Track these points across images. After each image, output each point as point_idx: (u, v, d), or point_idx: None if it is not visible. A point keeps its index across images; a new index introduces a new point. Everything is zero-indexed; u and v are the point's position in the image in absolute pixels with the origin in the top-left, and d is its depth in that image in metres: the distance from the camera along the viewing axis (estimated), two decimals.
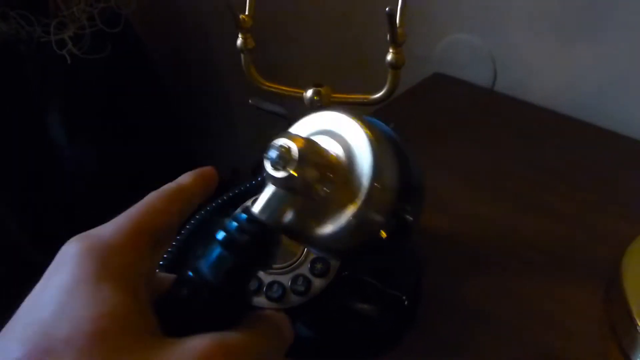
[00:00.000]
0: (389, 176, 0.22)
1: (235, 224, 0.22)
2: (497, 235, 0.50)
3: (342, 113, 0.24)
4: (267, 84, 0.40)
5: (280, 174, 0.20)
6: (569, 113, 0.67)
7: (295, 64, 1.01)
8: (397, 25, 0.32)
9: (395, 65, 0.34)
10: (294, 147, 0.20)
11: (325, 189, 0.22)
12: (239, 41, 0.38)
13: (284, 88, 0.40)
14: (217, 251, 0.22)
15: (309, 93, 0.37)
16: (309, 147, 0.21)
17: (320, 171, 0.21)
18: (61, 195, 1.03)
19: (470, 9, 0.72)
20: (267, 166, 0.21)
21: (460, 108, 0.71)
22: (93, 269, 0.20)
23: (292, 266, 0.35)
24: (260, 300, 0.35)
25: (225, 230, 0.22)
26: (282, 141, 0.21)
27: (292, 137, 0.21)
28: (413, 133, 0.65)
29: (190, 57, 1.33)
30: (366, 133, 0.22)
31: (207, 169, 0.28)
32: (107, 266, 0.21)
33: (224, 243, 0.21)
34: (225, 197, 0.45)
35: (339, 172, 0.22)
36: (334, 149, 0.23)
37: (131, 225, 0.23)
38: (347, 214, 0.22)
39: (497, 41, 0.71)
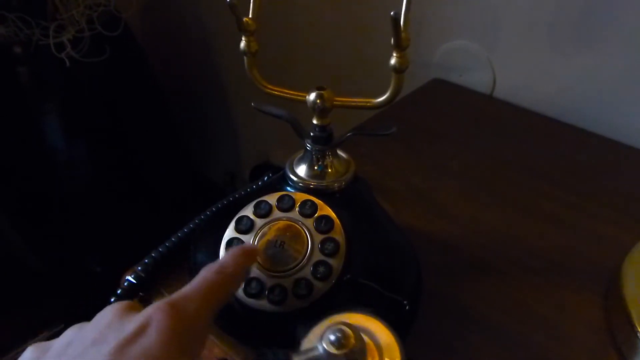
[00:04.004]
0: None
1: None
2: (496, 241, 0.50)
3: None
4: (270, 87, 0.40)
5: (339, 352, 0.25)
6: (568, 120, 0.67)
7: (298, 67, 1.01)
8: (402, 29, 0.32)
9: (398, 69, 0.34)
10: (348, 331, 0.26)
11: None
12: (242, 44, 0.38)
13: (286, 91, 0.39)
14: None
15: (312, 96, 0.37)
16: (357, 332, 0.26)
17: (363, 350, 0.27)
18: (58, 199, 1.03)
19: (470, 16, 0.72)
20: (326, 345, 0.26)
21: (459, 114, 0.71)
22: (180, 347, 0.25)
23: (294, 270, 0.35)
24: (262, 304, 0.34)
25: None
26: (340, 326, 0.26)
27: (345, 324, 0.26)
28: (412, 138, 0.65)
29: (189, 61, 1.33)
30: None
31: (250, 248, 0.34)
32: (190, 342, 0.26)
33: None
34: (223, 202, 0.45)
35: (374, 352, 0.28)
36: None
37: (205, 310, 0.28)
38: None
39: (495, 48, 0.72)
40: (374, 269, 0.38)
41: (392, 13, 0.30)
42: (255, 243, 0.36)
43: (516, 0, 0.67)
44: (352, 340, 0.26)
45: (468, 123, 0.69)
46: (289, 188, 0.40)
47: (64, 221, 1.06)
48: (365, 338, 0.27)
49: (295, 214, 0.37)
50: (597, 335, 0.41)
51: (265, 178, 0.47)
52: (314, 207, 0.37)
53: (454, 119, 0.69)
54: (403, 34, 0.32)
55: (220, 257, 0.32)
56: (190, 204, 1.25)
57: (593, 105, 0.66)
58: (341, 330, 0.26)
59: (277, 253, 0.35)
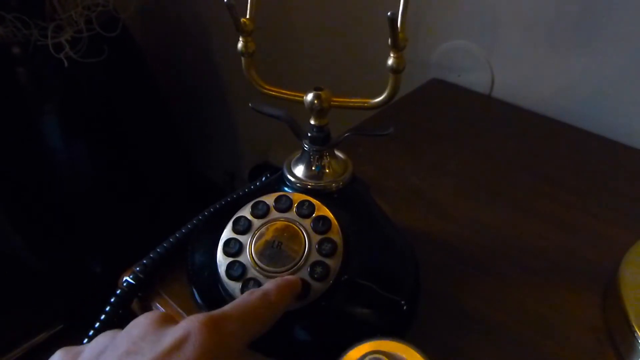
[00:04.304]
0: None
1: None
2: (495, 241, 0.50)
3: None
4: (268, 87, 0.40)
5: None
6: (566, 120, 0.67)
7: (296, 67, 1.01)
8: (399, 29, 0.32)
9: (396, 70, 0.34)
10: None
11: None
12: (240, 45, 0.38)
13: (284, 92, 0.39)
14: None
15: (309, 97, 0.37)
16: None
17: None
18: (57, 199, 1.03)
19: (468, 16, 0.72)
20: None
21: (458, 114, 0.71)
22: None
23: (292, 270, 0.35)
24: None
25: None
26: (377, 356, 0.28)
27: (382, 353, 0.28)
28: (411, 138, 0.65)
29: (187, 62, 1.33)
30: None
31: (295, 281, 0.33)
32: None
33: None
34: (221, 202, 0.45)
35: None
36: None
37: (244, 332, 0.27)
38: None
39: (494, 48, 0.72)
40: (372, 269, 0.38)
41: (388, 14, 0.30)
42: (253, 243, 0.36)
43: (515, 0, 0.67)
44: None
45: (466, 123, 0.69)
46: (286, 188, 0.40)
47: (64, 221, 1.06)
48: None
49: (292, 214, 0.37)
50: (595, 335, 0.41)
51: (263, 178, 0.47)
52: (312, 208, 0.37)
53: (452, 119, 0.69)
54: (400, 35, 0.32)
55: (264, 285, 0.32)
56: (189, 204, 1.25)
57: (592, 105, 0.66)
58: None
59: (274, 253, 0.35)
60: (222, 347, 0.25)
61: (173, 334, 0.24)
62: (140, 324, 0.26)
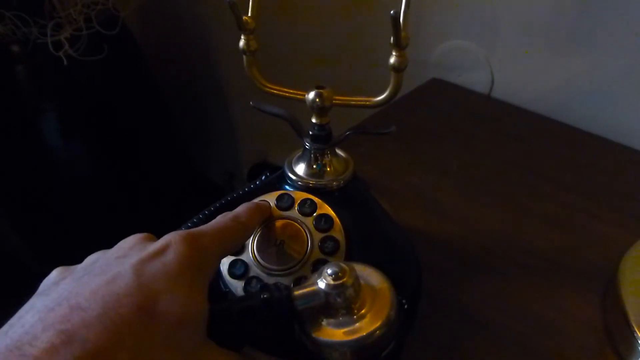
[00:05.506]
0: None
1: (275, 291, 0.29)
2: (495, 240, 0.50)
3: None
4: (269, 86, 0.40)
5: (336, 283, 0.28)
6: (566, 120, 0.68)
7: (297, 66, 1.01)
8: (401, 28, 0.32)
9: (398, 68, 0.34)
10: (345, 267, 0.29)
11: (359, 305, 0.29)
12: (242, 43, 0.38)
13: (285, 90, 0.39)
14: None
15: (311, 95, 0.37)
16: (353, 270, 0.29)
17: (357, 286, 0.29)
18: (56, 198, 1.03)
19: (468, 16, 0.72)
20: (324, 278, 0.28)
21: (458, 113, 0.71)
22: (193, 272, 0.27)
23: (294, 268, 0.35)
24: None
25: (269, 290, 0.29)
26: (337, 263, 0.29)
27: (346, 264, 0.29)
28: (411, 138, 0.65)
29: (187, 60, 1.32)
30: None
31: (264, 206, 0.36)
32: (201, 270, 0.28)
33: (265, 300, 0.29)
34: (222, 201, 0.45)
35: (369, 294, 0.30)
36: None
37: (217, 248, 0.30)
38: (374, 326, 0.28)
39: (494, 48, 0.72)
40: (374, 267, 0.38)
41: (392, 12, 0.30)
42: (255, 242, 0.36)
43: (514, 0, 0.67)
44: (347, 276, 0.28)
45: (466, 123, 0.69)
46: (287, 187, 0.40)
47: (62, 220, 1.05)
48: (361, 281, 0.29)
49: (294, 212, 0.37)
50: (594, 334, 0.41)
51: (263, 177, 0.47)
52: (314, 206, 0.37)
53: (453, 119, 0.70)
54: (403, 33, 0.32)
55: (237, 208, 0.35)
56: (189, 203, 1.25)
57: (591, 105, 0.67)
58: (339, 266, 0.29)
59: (276, 252, 0.35)
60: (198, 256, 0.28)
61: (157, 243, 0.28)
62: (128, 240, 0.30)
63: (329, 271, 0.28)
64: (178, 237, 0.28)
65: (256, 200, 0.37)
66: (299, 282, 0.33)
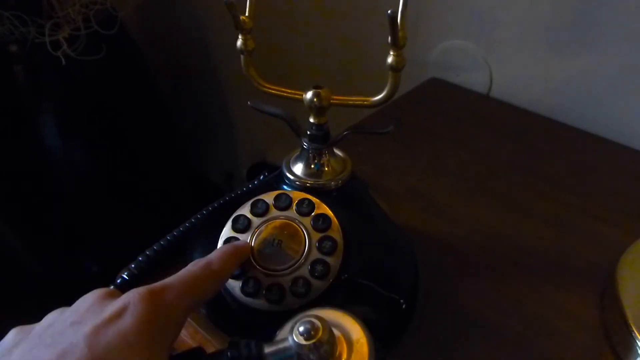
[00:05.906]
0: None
1: (244, 349, 0.28)
2: (493, 240, 0.50)
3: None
4: (267, 85, 0.40)
5: (308, 342, 0.26)
6: (564, 120, 0.68)
7: (295, 66, 1.01)
8: (399, 27, 0.32)
9: (395, 68, 0.34)
10: (318, 323, 0.26)
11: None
12: (239, 42, 0.38)
13: (283, 90, 0.39)
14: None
15: (309, 95, 0.37)
16: (327, 325, 0.27)
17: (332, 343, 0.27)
18: (55, 198, 1.02)
19: (466, 15, 0.72)
20: (295, 336, 0.26)
21: (456, 113, 0.71)
22: (152, 335, 0.26)
23: (293, 268, 0.35)
24: (259, 303, 0.34)
25: (238, 348, 0.28)
26: (310, 318, 0.27)
27: (316, 317, 0.27)
28: (409, 137, 0.65)
29: (185, 60, 1.32)
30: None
31: (242, 247, 0.35)
32: (164, 330, 0.26)
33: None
34: (220, 201, 0.45)
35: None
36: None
37: (184, 302, 0.28)
38: None
39: (492, 48, 0.72)
40: (371, 267, 0.38)
41: (388, 12, 0.30)
42: (253, 242, 0.36)
43: (513, 0, 0.67)
44: (321, 333, 0.26)
45: (465, 122, 0.69)
46: (285, 187, 0.40)
47: (61, 220, 1.05)
48: (337, 332, 0.28)
49: (292, 212, 0.37)
50: (593, 334, 0.41)
51: (262, 177, 0.47)
52: (311, 206, 0.37)
53: (451, 119, 0.70)
54: (400, 33, 0.32)
55: (210, 253, 0.33)
56: (187, 203, 1.25)
57: (590, 105, 0.67)
58: (311, 322, 0.27)
59: (274, 252, 0.35)
60: (159, 315, 0.26)
61: (114, 305, 0.26)
62: (87, 299, 0.28)
63: (301, 329, 0.26)
64: (137, 297, 0.26)
65: (237, 243, 0.36)
66: (275, 330, 0.31)
